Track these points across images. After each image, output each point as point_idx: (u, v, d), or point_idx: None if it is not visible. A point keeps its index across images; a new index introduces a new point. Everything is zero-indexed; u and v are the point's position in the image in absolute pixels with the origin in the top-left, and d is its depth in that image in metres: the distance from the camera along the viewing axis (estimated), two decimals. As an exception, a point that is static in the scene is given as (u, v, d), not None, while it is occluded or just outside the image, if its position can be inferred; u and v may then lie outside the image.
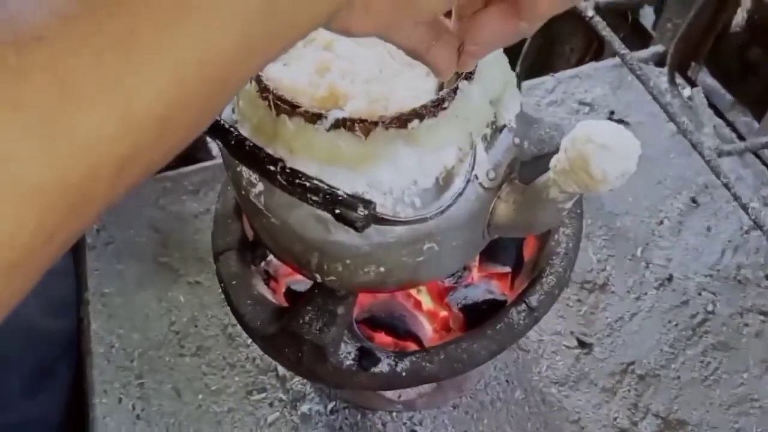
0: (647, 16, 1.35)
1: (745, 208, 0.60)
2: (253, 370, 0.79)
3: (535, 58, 1.24)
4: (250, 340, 0.79)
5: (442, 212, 0.44)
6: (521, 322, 0.55)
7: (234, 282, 0.59)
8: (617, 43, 0.93)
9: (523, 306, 0.56)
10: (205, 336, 0.82)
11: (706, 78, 1.17)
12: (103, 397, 0.77)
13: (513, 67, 0.50)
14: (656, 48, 1.13)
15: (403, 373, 0.53)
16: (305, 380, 0.78)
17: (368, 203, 0.42)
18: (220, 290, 0.72)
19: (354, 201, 0.42)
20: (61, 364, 0.82)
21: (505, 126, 0.49)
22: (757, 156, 0.97)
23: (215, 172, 0.96)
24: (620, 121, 1.03)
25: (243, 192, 0.49)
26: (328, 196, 0.43)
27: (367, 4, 0.30)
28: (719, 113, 1.05)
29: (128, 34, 0.21)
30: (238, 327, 0.81)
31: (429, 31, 0.36)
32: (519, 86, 0.51)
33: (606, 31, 0.73)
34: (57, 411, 0.81)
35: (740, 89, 1.13)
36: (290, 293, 0.61)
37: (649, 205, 0.92)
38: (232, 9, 0.23)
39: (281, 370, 0.79)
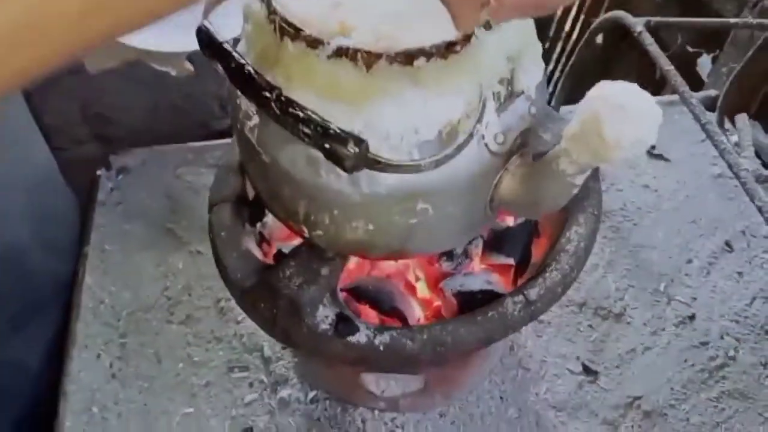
0: (704, 65, 1.32)
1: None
2: (239, 347, 0.76)
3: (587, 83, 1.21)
4: (241, 316, 0.77)
5: (438, 163, 0.41)
6: (516, 313, 0.51)
7: (223, 233, 0.56)
8: (676, 79, 0.88)
9: (521, 297, 0.51)
10: (196, 306, 0.80)
11: (758, 135, 1.12)
12: (82, 351, 0.75)
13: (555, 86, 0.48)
14: (708, 92, 1.09)
15: (381, 347, 0.49)
16: (289, 365, 0.74)
17: (360, 141, 0.39)
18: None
19: (345, 136, 0.39)
20: (51, 308, 0.80)
21: (522, 92, 0.46)
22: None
23: (237, 149, 0.95)
24: (661, 157, 0.98)
25: (239, 126, 0.47)
26: (319, 129, 0.40)
27: None
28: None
29: None
30: (232, 302, 0.79)
31: None
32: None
33: (666, 64, 0.69)
34: (37, 357, 0.79)
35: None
36: (280, 255, 0.58)
37: (680, 243, 0.86)
38: None
39: (267, 351, 0.75)
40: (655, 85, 1.24)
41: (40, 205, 0.78)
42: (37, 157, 0.81)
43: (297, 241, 0.57)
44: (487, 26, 0.42)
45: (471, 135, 0.42)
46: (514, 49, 0.44)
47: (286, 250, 0.59)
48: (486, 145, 0.44)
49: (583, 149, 0.40)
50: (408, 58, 0.40)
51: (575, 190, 0.44)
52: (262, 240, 0.61)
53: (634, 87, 0.38)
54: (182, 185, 0.93)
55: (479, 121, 0.42)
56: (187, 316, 0.79)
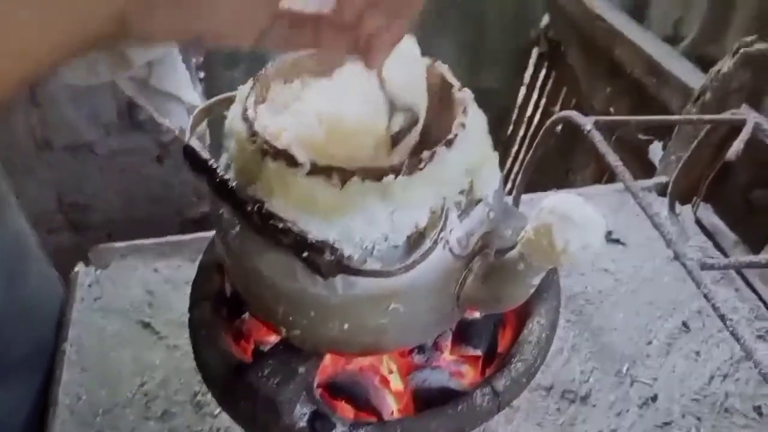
0: (655, 151, 1.41)
1: (722, 318, 0.59)
2: (216, 441, 0.77)
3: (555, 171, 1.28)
4: (217, 410, 0.78)
5: (407, 268, 0.44)
6: (484, 405, 0.54)
7: (203, 331, 0.59)
8: (621, 170, 0.95)
9: (488, 389, 0.54)
10: (173, 401, 0.80)
11: (710, 217, 1.19)
12: (59, 450, 0.75)
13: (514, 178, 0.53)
14: (659, 179, 1.16)
15: (357, 443, 0.52)
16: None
17: (335, 250, 0.43)
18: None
19: (322, 246, 0.43)
20: (25, 374, 0.80)
21: (481, 199, 0.50)
22: (752, 289, 0.97)
23: (214, 243, 0.98)
24: (617, 242, 1.04)
25: (222, 234, 0.51)
26: (298, 239, 0.44)
27: (149, 15, 0.34)
28: (720, 248, 1.06)
29: None
30: (208, 395, 0.81)
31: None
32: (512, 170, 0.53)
33: (614, 160, 0.76)
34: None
35: (743, 229, 1.14)
36: (257, 353, 0.61)
37: (640, 324, 0.91)
38: None
39: (244, 444, 0.76)
40: (612, 172, 1.32)
41: (16, 271, 0.78)
42: (12, 223, 0.82)
43: (275, 337, 0.60)
44: (448, 143, 0.47)
45: (436, 241, 0.46)
46: (472, 163, 0.48)
47: (263, 348, 0.61)
48: (450, 249, 0.48)
49: (536, 254, 0.44)
50: (378, 175, 0.44)
51: (532, 289, 0.49)
52: (240, 336, 0.63)
53: (579, 200, 0.43)
54: (160, 279, 0.95)
55: (443, 228, 0.46)
56: (163, 412, 0.79)
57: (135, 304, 0.91)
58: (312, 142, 0.48)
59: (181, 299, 0.93)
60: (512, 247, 0.48)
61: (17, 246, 0.80)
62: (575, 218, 0.42)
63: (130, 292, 0.93)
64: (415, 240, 0.47)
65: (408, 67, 0.53)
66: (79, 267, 0.96)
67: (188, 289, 0.93)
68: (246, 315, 0.64)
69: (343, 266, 0.44)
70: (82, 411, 0.79)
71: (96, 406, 0.79)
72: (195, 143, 0.50)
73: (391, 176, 0.44)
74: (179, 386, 0.82)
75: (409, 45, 0.53)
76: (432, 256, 0.46)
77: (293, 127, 0.49)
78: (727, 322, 0.59)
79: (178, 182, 1.79)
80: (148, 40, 0.37)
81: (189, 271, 0.96)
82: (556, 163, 1.65)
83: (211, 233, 1.02)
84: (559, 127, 0.91)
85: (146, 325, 0.88)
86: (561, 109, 1.69)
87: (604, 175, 1.54)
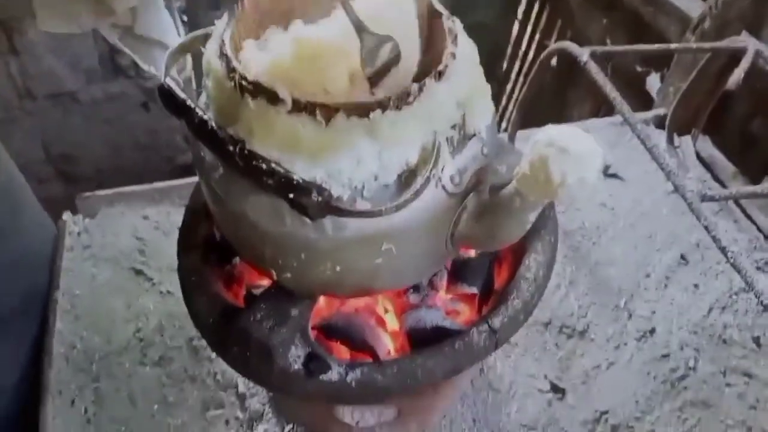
0: (653, 83, 1.37)
1: (723, 250, 0.58)
2: (213, 385, 0.77)
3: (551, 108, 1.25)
4: (213, 355, 0.78)
5: (398, 207, 0.43)
6: (482, 344, 0.53)
7: (193, 278, 0.58)
8: (619, 102, 0.92)
9: (485, 327, 0.54)
10: (169, 346, 0.80)
11: (709, 149, 1.17)
12: (56, 398, 0.75)
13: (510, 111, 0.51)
14: (657, 111, 1.13)
15: (353, 384, 0.51)
16: (264, 400, 0.75)
17: (323, 190, 0.42)
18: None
19: (309, 186, 0.41)
20: (18, 322, 0.80)
21: (474, 134, 0.48)
22: (751, 220, 0.95)
23: (203, 187, 0.96)
24: (615, 176, 1.02)
25: (205, 177, 0.49)
26: (282, 180, 0.42)
27: None
28: (718, 180, 1.04)
29: None
30: (204, 340, 0.80)
31: None
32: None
33: (611, 92, 0.72)
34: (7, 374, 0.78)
35: (742, 160, 1.12)
36: (249, 297, 0.60)
37: (638, 258, 0.90)
38: None
39: (241, 387, 0.76)
40: (610, 105, 1.29)
41: (8, 221, 0.77)
42: (3, 173, 0.80)
43: (267, 281, 0.59)
44: (438, 75, 0.44)
45: (428, 179, 0.44)
46: (464, 95, 0.46)
47: (255, 291, 0.60)
48: (443, 186, 0.46)
49: (532, 188, 0.43)
50: (364, 110, 0.42)
51: (529, 225, 0.47)
52: (231, 281, 0.62)
53: (577, 130, 0.40)
54: (150, 225, 0.93)
55: (435, 165, 0.44)
56: (160, 357, 0.79)
57: (126, 252, 0.90)
58: (282, 70, 0.45)
59: (172, 245, 0.90)
60: (507, 183, 0.46)
61: (9, 195, 0.79)
62: (572, 150, 0.40)
63: (119, 240, 0.91)
64: (407, 178, 0.45)
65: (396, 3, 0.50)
66: (67, 216, 0.94)
67: (179, 235, 0.92)
68: (236, 260, 0.63)
69: (331, 207, 0.42)
70: (78, 359, 0.78)
71: (91, 354, 0.79)
72: (171, 83, 0.47)
73: (379, 111, 0.42)
74: (174, 331, 0.81)
75: None
76: (424, 194, 0.44)
77: (266, 57, 0.47)
78: (728, 254, 0.58)
79: (166, 128, 1.75)
80: None
81: (178, 216, 0.93)
82: (552, 99, 1.61)
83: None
84: (554, 61, 0.88)
85: (138, 272, 0.88)
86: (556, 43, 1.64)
87: (600, 109, 1.51)
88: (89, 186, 1.78)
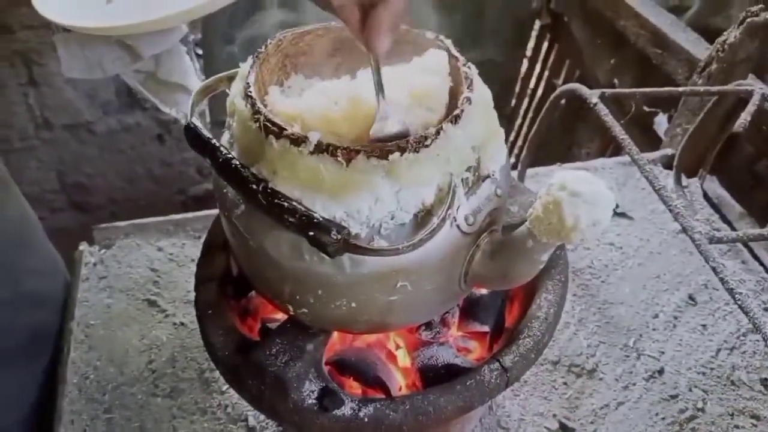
0: (661, 122, 1.39)
1: (731, 292, 0.59)
2: (224, 417, 0.77)
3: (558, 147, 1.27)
4: (225, 387, 0.79)
5: (415, 246, 0.44)
6: (493, 381, 0.54)
7: (210, 311, 0.59)
8: (628, 143, 0.94)
9: (497, 365, 0.54)
10: (180, 378, 0.81)
11: (716, 188, 1.18)
12: (68, 428, 0.76)
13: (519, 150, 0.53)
14: (665, 151, 1.15)
15: (366, 419, 0.52)
16: (275, 434, 0.75)
17: (342, 228, 0.43)
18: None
19: (329, 225, 0.43)
20: (26, 359, 0.80)
21: (488, 176, 0.50)
22: (759, 261, 0.96)
23: (218, 220, 0.98)
24: (623, 215, 1.03)
25: (226, 213, 0.50)
26: (304, 218, 0.43)
27: None
28: (726, 220, 1.06)
29: None
30: (215, 372, 0.81)
31: None
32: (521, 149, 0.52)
33: (620, 134, 0.74)
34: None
35: (749, 200, 1.14)
36: (264, 331, 0.61)
37: (646, 298, 0.90)
38: None
39: (251, 421, 0.77)
40: (618, 144, 1.31)
41: (17, 259, 0.78)
42: (13, 209, 0.81)
43: (281, 315, 0.60)
44: (454, 120, 0.46)
45: (444, 219, 0.45)
46: (479, 139, 0.48)
47: (270, 325, 0.61)
48: (458, 226, 0.47)
49: (545, 231, 0.44)
50: (384, 153, 0.43)
51: (541, 266, 0.48)
52: (246, 315, 0.63)
53: (589, 175, 0.42)
54: (165, 257, 0.95)
55: (450, 206, 0.46)
56: (172, 389, 0.80)
57: (140, 283, 0.91)
58: (327, 118, 0.47)
59: (186, 277, 0.93)
60: (520, 223, 0.48)
61: (21, 232, 0.80)
62: (585, 194, 0.41)
63: (134, 271, 0.93)
64: (422, 218, 0.46)
65: (430, 78, 0.52)
66: (83, 246, 0.96)
67: (193, 267, 0.93)
68: (252, 294, 0.64)
69: (349, 245, 0.43)
70: (91, 389, 0.79)
71: (104, 384, 0.80)
72: (196, 122, 0.49)
73: (397, 154, 0.44)
74: (186, 363, 0.82)
75: (437, 57, 0.52)
76: (439, 233, 0.46)
77: (308, 106, 0.49)
78: (736, 296, 0.59)
79: (180, 161, 1.78)
80: None
81: (193, 249, 0.97)
82: (560, 137, 1.63)
83: (215, 211, 1.02)
84: (563, 101, 0.90)
85: (152, 303, 0.89)
86: (564, 82, 1.66)
87: (608, 148, 1.53)
88: (102, 216, 1.80)
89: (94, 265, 0.93)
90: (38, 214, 0.87)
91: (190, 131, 0.48)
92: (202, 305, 0.59)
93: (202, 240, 0.95)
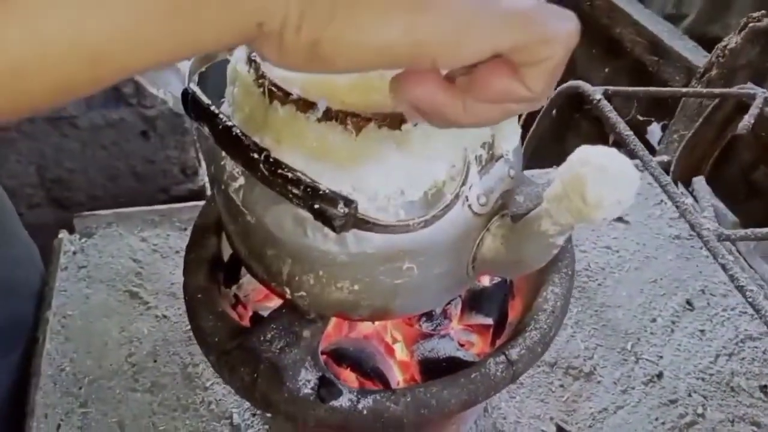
0: (653, 132, 1.39)
1: (741, 290, 0.57)
2: (207, 414, 0.74)
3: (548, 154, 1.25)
4: (208, 383, 0.75)
5: (427, 223, 0.41)
6: (498, 374, 0.51)
7: (199, 295, 0.55)
8: (636, 144, 0.91)
9: (502, 358, 0.52)
10: (162, 372, 0.77)
11: (710, 198, 1.17)
12: (41, 422, 0.71)
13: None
14: (660, 158, 1.14)
15: (365, 411, 0.49)
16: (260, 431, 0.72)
17: (350, 201, 0.40)
18: (186, 327, 0.69)
19: (335, 197, 0.40)
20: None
21: (502, 156, 0.47)
22: (751, 267, 0.95)
23: (205, 212, 0.95)
24: (620, 219, 1.02)
25: (222, 187, 0.47)
26: (309, 190, 0.40)
27: (280, 46, 0.29)
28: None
29: None
30: (199, 367, 0.78)
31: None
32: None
33: (625, 130, 0.72)
34: None
35: (743, 210, 1.13)
36: (256, 319, 0.58)
37: (643, 302, 0.89)
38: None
39: (236, 418, 0.73)
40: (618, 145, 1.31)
41: None
42: None
43: (274, 302, 0.57)
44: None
45: (457, 195, 0.43)
46: (495, 114, 0.45)
47: (263, 313, 0.58)
48: (470, 206, 0.45)
49: (564, 210, 0.41)
50: (396, 122, 0.41)
51: (556, 250, 0.46)
52: (237, 302, 0.60)
53: (614, 151, 0.39)
54: (148, 248, 0.91)
55: (464, 183, 0.43)
56: (152, 384, 0.76)
57: (122, 274, 0.88)
58: (330, 85, 0.44)
59: (170, 269, 0.89)
60: (526, 213, 0.45)
61: None
62: (611, 170, 0.39)
63: (116, 261, 0.89)
64: (433, 195, 0.44)
65: None
66: (63, 234, 0.92)
67: (178, 259, 0.90)
68: (243, 281, 0.61)
69: (357, 219, 0.40)
70: (66, 382, 0.75)
71: (80, 377, 0.76)
72: (195, 87, 0.46)
73: (410, 124, 0.41)
74: (169, 358, 0.79)
75: None
76: (451, 212, 0.43)
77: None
78: (747, 293, 0.57)
79: (163, 158, 1.74)
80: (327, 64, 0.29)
81: (178, 240, 0.93)
82: (551, 145, 1.62)
83: (202, 202, 0.98)
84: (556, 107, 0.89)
85: (134, 295, 0.85)
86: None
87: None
88: (82, 212, 1.75)
89: (73, 253, 0.89)
90: (16, 209, 0.83)
91: (188, 96, 0.45)
92: (192, 289, 0.56)
93: (188, 232, 0.92)
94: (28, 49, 0.24)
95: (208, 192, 1.17)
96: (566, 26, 0.30)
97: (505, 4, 0.28)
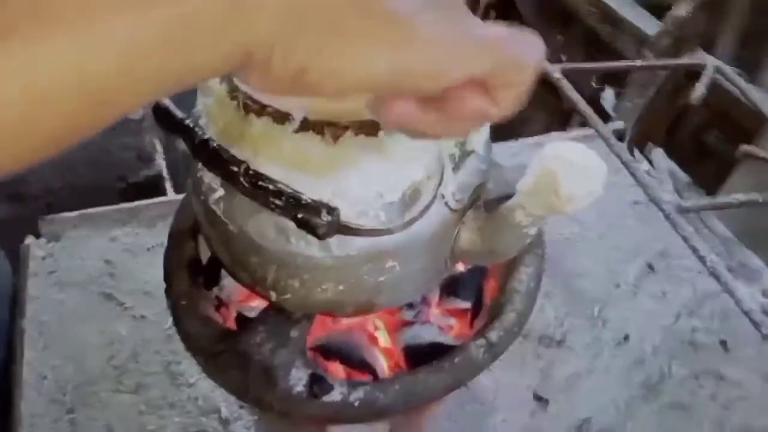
0: (606, 98, 1.42)
1: (702, 259, 0.60)
2: (195, 410, 0.75)
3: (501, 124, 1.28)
4: (193, 379, 0.76)
5: (407, 225, 0.43)
6: (480, 357, 0.53)
7: (183, 302, 0.56)
8: (593, 118, 0.94)
9: (483, 341, 0.54)
10: (145, 372, 0.78)
11: (662, 160, 1.21)
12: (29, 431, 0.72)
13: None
14: (616, 124, 1.17)
15: (356, 403, 0.50)
16: (249, 425, 0.74)
17: (332, 209, 0.41)
18: (165, 326, 0.69)
19: (318, 206, 0.41)
20: None
21: (473, 150, 0.49)
22: (709, 229, 1.00)
23: (173, 207, 0.94)
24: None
25: (202, 198, 0.48)
26: (291, 200, 0.41)
27: (265, 72, 0.29)
28: (677, 191, 1.09)
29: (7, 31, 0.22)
30: (182, 365, 0.78)
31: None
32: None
33: (584, 107, 0.75)
34: None
35: (696, 171, 1.17)
36: (241, 319, 0.59)
37: (607, 269, 0.92)
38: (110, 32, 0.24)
39: (224, 412, 0.74)
40: (562, 121, 1.34)
41: None
42: None
43: (257, 302, 0.58)
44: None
45: (435, 196, 0.44)
46: (465, 113, 0.47)
47: (247, 313, 0.59)
48: (446, 203, 0.46)
49: (537, 203, 0.43)
50: (373, 129, 0.42)
51: (529, 240, 0.48)
52: (220, 304, 0.61)
53: (582, 146, 0.42)
54: (119, 247, 0.90)
55: (440, 182, 0.45)
56: (137, 384, 0.76)
57: (94, 276, 0.87)
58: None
59: (142, 267, 0.89)
60: (497, 198, 0.47)
61: None
62: (580, 165, 0.41)
63: (87, 264, 0.88)
64: (410, 196, 0.45)
65: None
66: (30, 240, 0.91)
67: (150, 257, 0.90)
68: (224, 282, 0.61)
69: (341, 226, 0.42)
70: (50, 390, 0.75)
71: (63, 384, 0.76)
72: (167, 101, 0.46)
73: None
74: (150, 357, 0.79)
75: None
76: (429, 211, 0.45)
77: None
78: (707, 262, 0.60)
79: (119, 146, 1.70)
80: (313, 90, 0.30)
81: (148, 237, 0.93)
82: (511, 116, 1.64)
83: (169, 198, 0.98)
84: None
85: (108, 297, 0.85)
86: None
87: (552, 123, 1.55)
88: (39, 207, 1.71)
89: (42, 258, 0.88)
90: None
91: (161, 111, 0.45)
92: (176, 295, 0.57)
93: (157, 228, 0.92)
94: (28, 101, 0.24)
95: (166, 178, 1.16)
96: (536, 52, 0.32)
97: (481, 32, 0.30)
